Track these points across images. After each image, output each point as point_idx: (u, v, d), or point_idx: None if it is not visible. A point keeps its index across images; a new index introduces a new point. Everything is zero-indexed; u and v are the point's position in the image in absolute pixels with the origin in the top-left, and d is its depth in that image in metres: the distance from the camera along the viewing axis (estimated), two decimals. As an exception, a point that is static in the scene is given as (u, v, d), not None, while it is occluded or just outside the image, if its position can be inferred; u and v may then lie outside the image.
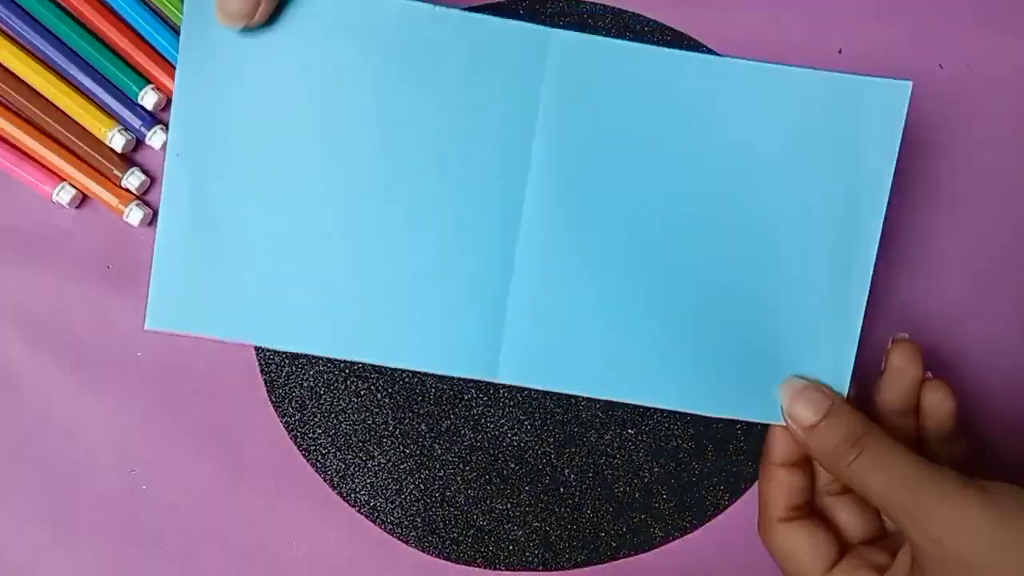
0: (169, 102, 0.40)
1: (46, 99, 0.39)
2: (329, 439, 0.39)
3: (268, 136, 0.32)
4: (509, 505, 0.39)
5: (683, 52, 0.32)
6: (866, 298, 0.33)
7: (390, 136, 0.32)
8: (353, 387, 0.39)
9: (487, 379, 0.33)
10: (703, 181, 0.33)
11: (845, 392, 0.33)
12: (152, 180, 0.40)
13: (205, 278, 0.32)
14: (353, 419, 0.39)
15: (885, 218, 0.33)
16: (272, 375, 0.39)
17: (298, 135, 0.32)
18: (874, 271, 0.32)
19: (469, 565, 0.39)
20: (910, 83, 0.33)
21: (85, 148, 0.39)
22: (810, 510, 0.33)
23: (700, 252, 0.33)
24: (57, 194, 0.39)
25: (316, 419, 0.39)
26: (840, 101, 0.33)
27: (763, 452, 0.34)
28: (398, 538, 0.39)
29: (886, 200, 0.33)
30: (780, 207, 0.33)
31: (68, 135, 0.39)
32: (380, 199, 0.32)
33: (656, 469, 0.39)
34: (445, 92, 0.32)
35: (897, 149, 0.33)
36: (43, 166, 0.39)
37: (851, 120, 0.33)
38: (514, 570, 0.39)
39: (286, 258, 0.32)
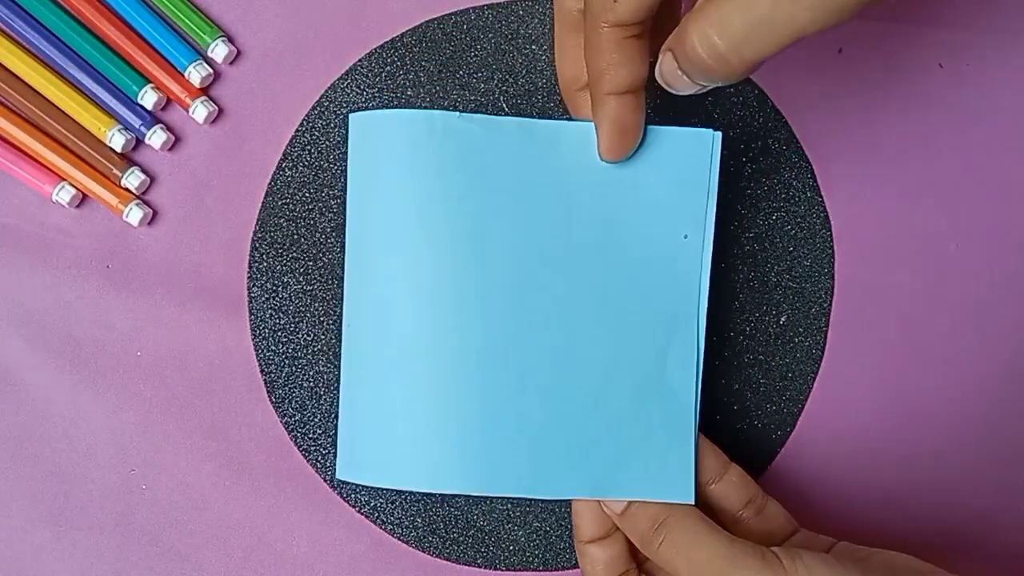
0: (168, 102, 0.40)
1: (46, 99, 0.39)
2: (329, 439, 0.39)
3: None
4: (509, 505, 0.39)
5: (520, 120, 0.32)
6: (695, 399, 0.33)
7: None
8: (353, 387, 0.39)
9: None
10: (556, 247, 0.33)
11: (692, 498, 0.32)
12: (152, 180, 0.40)
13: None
14: (353, 419, 0.39)
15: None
16: (272, 375, 0.39)
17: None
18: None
19: (469, 565, 0.39)
20: (719, 134, 0.32)
21: (85, 148, 0.39)
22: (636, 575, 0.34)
23: (567, 334, 0.33)
24: (57, 194, 0.39)
25: (316, 419, 0.39)
26: (649, 156, 0.32)
27: (574, 531, 0.34)
28: (398, 538, 0.39)
29: (709, 262, 0.32)
30: (621, 274, 0.32)
31: (68, 135, 0.39)
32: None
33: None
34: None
35: (712, 206, 0.32)
36: (43, 166, 0.39)
37: (662, 176, 0.32)
38: (514, 570, 0.39)
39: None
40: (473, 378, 0.32)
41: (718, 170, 0.32)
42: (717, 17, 0.25)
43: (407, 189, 0.33)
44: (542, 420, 0.32)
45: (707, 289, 0.33)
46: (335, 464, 0.37)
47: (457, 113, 0.32)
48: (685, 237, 0.32)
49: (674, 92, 0.29)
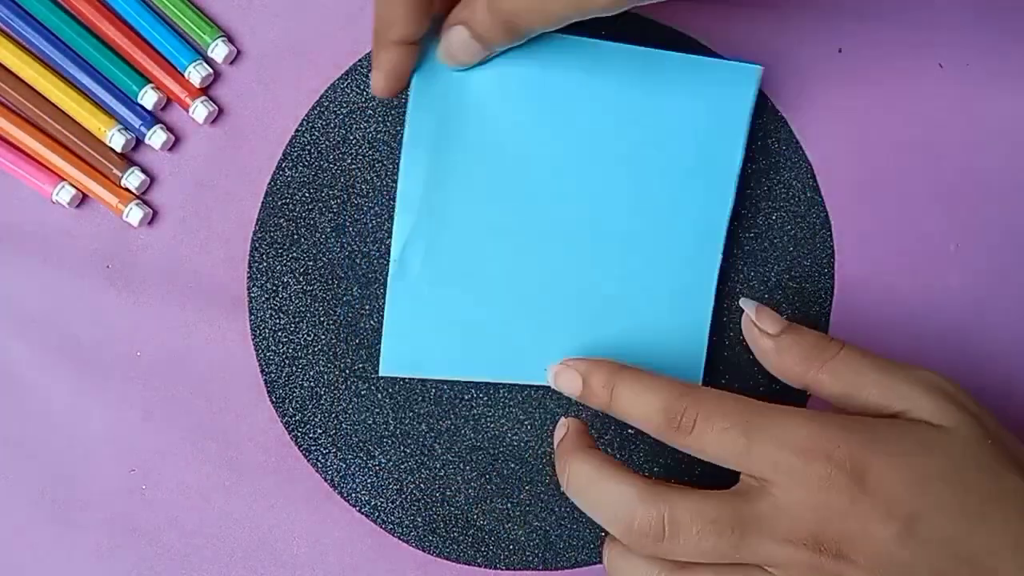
0: (168, 102, 0.40)
1: (46, 99, 0.39)
2: (329, 439, 0.39)
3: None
4: (509, 505, 0.39)
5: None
6: (714, 288, 0.37)
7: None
8: (353, 387, 0.39)
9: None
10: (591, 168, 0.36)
11: (700, 378, 0.37)
12: (152, 180, 0.40)
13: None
14: (353, 419, 0.39)
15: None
16: (272, 375, 0.39)
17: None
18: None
19: (469, 565, 0.39)
20: (760, 68, 0.35)
21: (85, 148, 0.39)
22: None
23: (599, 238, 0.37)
24: (57, 194, 0.39)
25: (316, 419, 0.39)
26: (695, 84, 0.35)
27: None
28: (398, 538, 0.39)
29: (734, 187, 0.36)
30: (655, 191, 0.36)
31: (68, 135, 0.39)
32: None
33: (656, 469, 0.39)
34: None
35: (744, 135, 0.36)
36: (43, 166, 0.39)
37: (705, 103, 0.35)
38: (514, 570, 0.39)
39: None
40: (515, 275, 0.37)
41: (753, 102, 0.36)
42: None
43: (460, 131, 0.35)
44: (571, 318, 0.37)
45: (730, 207, 0.37)
46: (381, 358, 0.38)
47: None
48: (713, 164, 0.35)
49: (456, 65, 0.34)
